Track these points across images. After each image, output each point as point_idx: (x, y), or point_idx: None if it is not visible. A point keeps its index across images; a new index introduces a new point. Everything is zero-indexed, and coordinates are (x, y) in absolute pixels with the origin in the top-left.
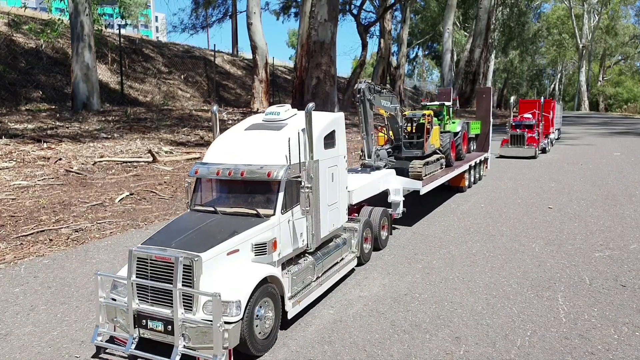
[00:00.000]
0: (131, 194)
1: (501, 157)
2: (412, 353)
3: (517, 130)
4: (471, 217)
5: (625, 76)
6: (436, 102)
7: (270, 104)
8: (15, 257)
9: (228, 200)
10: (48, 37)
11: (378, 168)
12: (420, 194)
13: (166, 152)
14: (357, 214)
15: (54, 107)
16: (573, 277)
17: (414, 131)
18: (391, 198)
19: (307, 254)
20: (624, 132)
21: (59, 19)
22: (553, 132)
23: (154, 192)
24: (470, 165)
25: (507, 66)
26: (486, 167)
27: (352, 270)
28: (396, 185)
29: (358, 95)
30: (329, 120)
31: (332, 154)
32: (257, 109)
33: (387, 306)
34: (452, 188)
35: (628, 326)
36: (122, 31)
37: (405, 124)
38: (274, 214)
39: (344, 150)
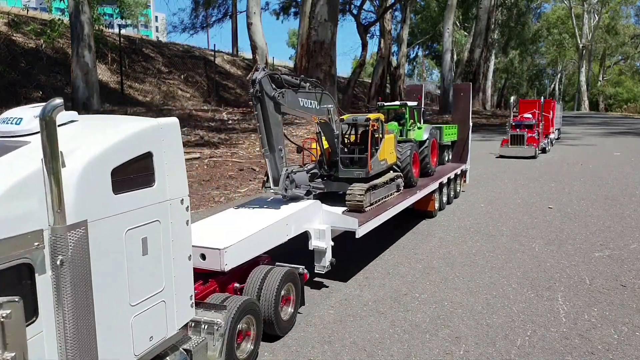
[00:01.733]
0: None
1: (501, 157)
2: (412, 353)
3: (517, 130)
4: (471, 217)
5: (625, 76)
6: (396, 102)
7: None
8: None
9: None
10: (49, 38)
11: (295, 199)
12: (357, 236)
13: None
14: (238, 284)
15: None
16: (573, 277)
17: (358, 142)
18: (313, 244)
19: None
20: (624, 132)
21: (59, 19)
22: (553, 132)
23: None
24: (441, 183)
25: (507, 66)
26: (464, 182)
27: None
28: (319, 225)
29: (251, 91)
30: (126, 136)
31: (141, 200)
32: None
33: (387, 306)
34: (417, 213)
35: (628, 326)
36: (122, 31)
37: (348, 132)
38: None
39: (181, 189)
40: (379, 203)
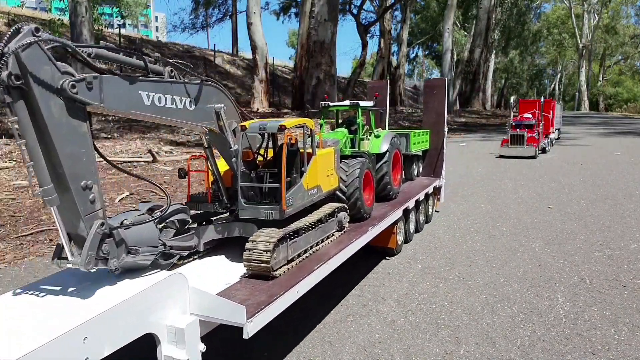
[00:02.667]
0: (131, 194)
1: (501, 157)
2: (412, 353)
3: (517, 130)
4: (471, 217)
5: (625, 76)
6: (345, 102)
7: (270, 104)
8: (15, 257)
9: None
10: None
11: (136, 270)
12: (246, 336)
13: (166, 152)
14: None
15: None
16: (573, 277)
17: (273, 160)
18: (164, 353)
19: None
20: (624, 132)
21: (59, 19)
22: (553, 132)
23: (154, 192)
24: (406, 209)
25: (507, 66)
26: (438, 200)
27: None
28: (178, 318)
29: None
30: None
31: None
32: (257, 109)
33: (387, 306)
34: (372, 249)
35: (628, 326)
36: (122, 31)
37: (259, 147)
38: None
39: None
40: (304, 257)
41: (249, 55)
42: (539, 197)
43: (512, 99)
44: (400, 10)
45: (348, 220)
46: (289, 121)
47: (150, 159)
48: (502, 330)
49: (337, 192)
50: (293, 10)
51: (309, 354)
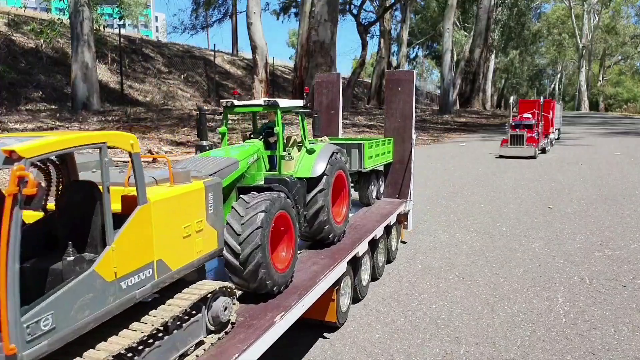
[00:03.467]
0: None
1: (501, 157)
2: (412, 353)
3: (517, 130)
4: (471, 217)
5: (625, 76)
6: (258, 101)
7: None
8: None
9: None
10: (47, 37)
11: None
12: None
13: (166, 152)
14: None
15: (54, 107)
16: (573, 277)
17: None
18: None
19: None
20: (624, 132)
21: (59, 19)
22: (553, 132)
23: None
24: (355, 258)
25: (507, 66)
26: (404, 229)
27: None
28: None
29: None
30: None
31: None
32: None
33: (387, 306)
34: (309, 322)
35: (628, 326)
36: (122, 31)
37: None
38: None
39: None
40: None
41: (249, 55)
42: (539, 197)
43: (512, 99)
44: (400, 11)
45: (235, 309)
46: (43, 140)
47: (150, 159)
48: (502, 330)
49: (225, 253)
50: (293, 10)
51: (309, 354)
